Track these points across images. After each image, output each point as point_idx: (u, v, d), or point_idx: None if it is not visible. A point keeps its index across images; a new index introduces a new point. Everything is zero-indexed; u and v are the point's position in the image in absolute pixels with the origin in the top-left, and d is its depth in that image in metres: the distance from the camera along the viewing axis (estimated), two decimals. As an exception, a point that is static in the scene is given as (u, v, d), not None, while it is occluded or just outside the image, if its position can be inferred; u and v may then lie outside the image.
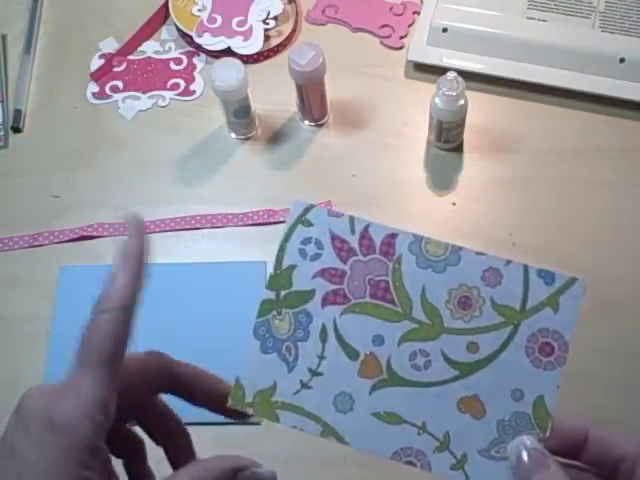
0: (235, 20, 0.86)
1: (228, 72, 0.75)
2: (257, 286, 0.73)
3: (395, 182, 0.79)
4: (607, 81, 0.80)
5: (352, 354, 0.45)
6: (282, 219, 0.77)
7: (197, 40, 0.86)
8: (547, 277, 0.46)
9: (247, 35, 0.86)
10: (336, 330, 0.46)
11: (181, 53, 0.88)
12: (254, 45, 0.85)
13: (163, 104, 0.85)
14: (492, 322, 0.45)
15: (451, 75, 0.72)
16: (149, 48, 0.88)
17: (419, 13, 0.87)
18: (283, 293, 0.46)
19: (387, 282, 0.46)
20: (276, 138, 0.82)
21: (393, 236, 0.46)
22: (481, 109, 0.80)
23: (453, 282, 0.46)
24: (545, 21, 0.81)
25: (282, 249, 0.46)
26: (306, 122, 0.82)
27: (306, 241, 0.47)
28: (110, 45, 0.88)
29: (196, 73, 0.86)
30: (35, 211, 0.79)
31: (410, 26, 0.87)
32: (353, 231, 0.47)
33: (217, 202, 0.78)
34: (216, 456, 0.38)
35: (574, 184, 0.77)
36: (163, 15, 0.89)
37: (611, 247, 0.74)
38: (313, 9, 0.89)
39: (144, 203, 0.79)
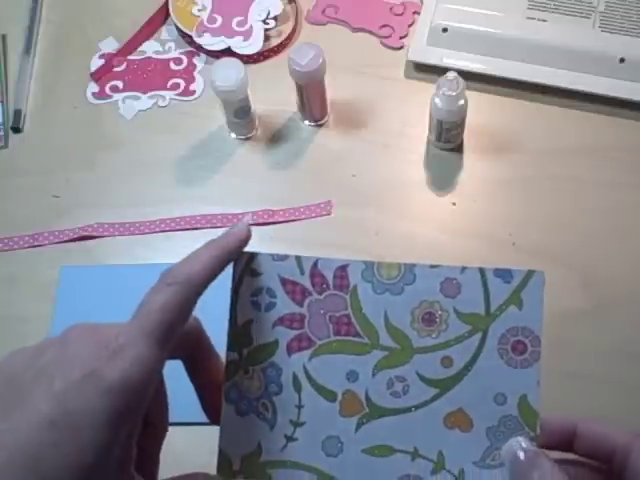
0: (235, 20, 0.86)
1: (228, 72, 0.75)
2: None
3: (395, 182, 0.79)
4: (607, 81, 0.80)
5: (329, 396, 0.44)
6: (282, 219, 0.77)
7: (197, 40, 0.86)
8: (505, 275, 0.45)
9: (247, 35, 0.86)
10: (308, 376, 0.45)
11: (181, 53, 0.88)
12: (254, 45, 0.85)
13: (163, 104, 0.85)
14: (460, 332, 0.44)
15: (451, 75, 0.72)
16: (149, 48, 0.88)
17: (419, 13, 0.87)
18: (246, 351, 0.44)
19: (348, 316, 0.45)
20: (276, 138, 0.82)
21: (344, 268, 0.45)
22: (481, 109, 0.80)
23: (413, 301, 0.44)
24: (545, 21, 0.81)
25: (233, 306, 0.44)
26: (306, 122, 0.82)
27: (257, 292, 0.45)
28: (110, 45, 0.88)
29: (196, 73, 0.86)
30: (35, 211, 0.79)
31: (410, 26, 0.87)
32: (302, 271, 0.45)
33: (217, 202, 0.78)
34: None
35: (574, 184, 0.77)
36: (163, 15, 0.89)
37: (611, 247, 0.74)
38: (313, 9, 0.89)
39: (144, 203, 0.79)
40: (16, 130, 0.84)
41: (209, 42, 0.86)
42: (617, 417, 0.66)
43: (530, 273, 0.44)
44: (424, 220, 0.76)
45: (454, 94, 0.72)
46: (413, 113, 0.81)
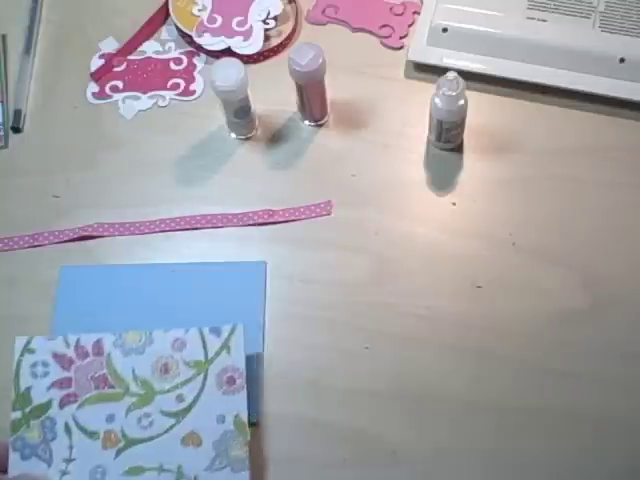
0: (235, 20, 0.86)
1: (228, 72, 0.75)
2: (257, 286, 0.73)
3: (395, 182, 0.79)
4: (607, 81, 0.80)
5: (93, 435, 0.62)
6: (282, 219, 0.77)
7: (197, 40, 0.86)
8: (217, 331, 0.64)
9: (247, 35, 0.86)
10: (76, 423, 0.62)
11: (181, 53, 0.88)
12: (254, 45, 0.85)
13: (163, 104, 0.85)
14: (188, 376, 0.63)
15: (451, 75, 0.72)
16: (149, 48, 0.88)
17: (419, 13, 0.87)
18: (27, 409, 0.62)
19: (105, 374, 0.63)
20: (276, 138, 0.82)
21: (99, 340, 0.64)
22: (481, 109, 0.80)
23: (153, 357, 0.64)
24: (545, 21, 0.81)
25: (17, 377, 0.63)
26: (306, 122, 0.82)
27: (34, 365, 0.63)
28: (110, 45, 0.88)
29: (196, 73, 0.86)
30: (35, 211, 0.79)
31: (410, 26, 0.87)
32: (68, 345, 0.64)
33: (217, 202, 0.78)
34: None
35: (574, 184, 0.77)
36: (163, 15, 0.89)
37: (611, 247, 0.74)
38: (313, 9, 0.89)
39: (144, 203, 0.79)
40: (16, 130, 0.84)
41: (209, 42, 0.86)
42: (617, 417, 0.66)
43: (234, 327, 0.64)
44: (424, 220, 0.76)
45: (454, 94, 0.72)
46: (413, 113, 0.82)
